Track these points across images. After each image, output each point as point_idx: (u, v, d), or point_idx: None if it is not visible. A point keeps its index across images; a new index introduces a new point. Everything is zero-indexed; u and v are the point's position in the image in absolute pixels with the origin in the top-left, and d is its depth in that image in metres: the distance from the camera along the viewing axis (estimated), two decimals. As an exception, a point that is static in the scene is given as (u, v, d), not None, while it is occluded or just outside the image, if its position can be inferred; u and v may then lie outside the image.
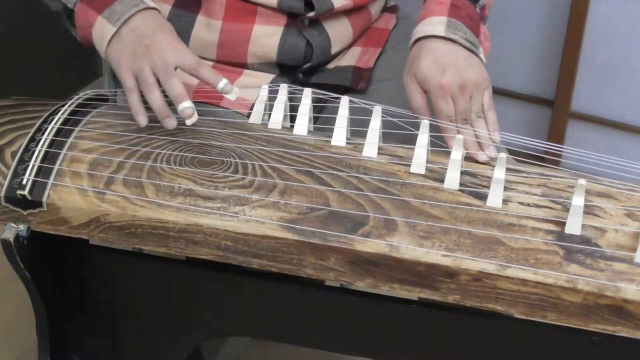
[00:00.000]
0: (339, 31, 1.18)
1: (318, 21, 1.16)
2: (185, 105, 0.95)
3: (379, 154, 0.96)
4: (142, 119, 0.96)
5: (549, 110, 2.06)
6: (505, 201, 0.89)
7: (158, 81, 0.96)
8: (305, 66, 1.16)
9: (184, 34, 1.15)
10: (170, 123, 0.96)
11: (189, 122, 0.95)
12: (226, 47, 1.15)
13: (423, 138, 0.93)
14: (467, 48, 1.02)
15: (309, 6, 1.13)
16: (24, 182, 0.95)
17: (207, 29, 1.14)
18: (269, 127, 1.02)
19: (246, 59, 1.16)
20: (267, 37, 1.14)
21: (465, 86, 0.99)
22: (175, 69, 0.97)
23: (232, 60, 1.16)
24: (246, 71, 1.17)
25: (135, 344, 1.10)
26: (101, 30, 1.00)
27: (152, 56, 0.96)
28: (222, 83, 0.97)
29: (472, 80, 0.99)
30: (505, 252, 0.85)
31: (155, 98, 0.96)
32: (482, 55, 1.04)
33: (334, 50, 1.18)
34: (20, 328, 1.55)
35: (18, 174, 0.96)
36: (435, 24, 1.02)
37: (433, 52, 1.01)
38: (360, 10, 1.20)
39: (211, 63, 1.16)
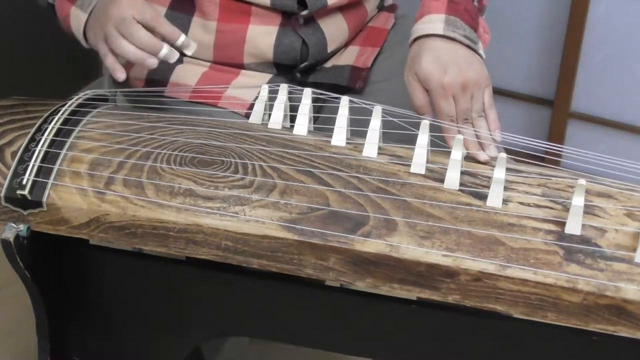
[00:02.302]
0: (334, 29, 1.18)
1: (313, 19, 1.16)
2: (165, 52, 0.99)
3: (379, 154, 0.96)
4: (120, 75, 1.02)
5: (549, 110, 2.06)
6: (505, 201, 0.89)
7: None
8: (302, 65, 1.16)
9: None
10: (151, 62, 1.00)
11: (188, 51, 1.01)
12: (222, 48, 1.15)
13: (423, 138, 0.93)
14: (466, 45, 1.02)
15: (302, 5, 1.13)
16: (24, 182, 0.95)
17: (202, 30, 1.14)
18: (269, 127, 1.02)
19: (242, 59, 1.15)
20: (262, 37, 1.14)
21: (467, 85, 0.99)
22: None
23: (229, 61, 1.16)
24: (243, 71, 1.17)
25: (135, 344, 1.10)
26: (77, 19, 1.06)
27: (114, 17, 1.00)
28: (181, 39, 1.01)
29: (473, 79, 1.00)
30: (505, 252, 0.85)
31: (122, 46, 0.99)
32: (481, 51, 1.04)
33: (330, 49, 1.18)
34: (20, 328, 1.55)
35: (18, 174, 0.96)
36: (434, 22, 1.02)
37: (433, 51, 1.01)
38: (355, 6, 1.20)
39: (208, 64, 1.16)
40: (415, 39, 1.04)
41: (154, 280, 1.05)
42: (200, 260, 0.93)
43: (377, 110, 0.97)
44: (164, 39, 1.01)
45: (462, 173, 0.92)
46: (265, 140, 0.98)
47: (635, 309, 0.82)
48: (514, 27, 2.00)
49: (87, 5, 1.05)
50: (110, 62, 1.02)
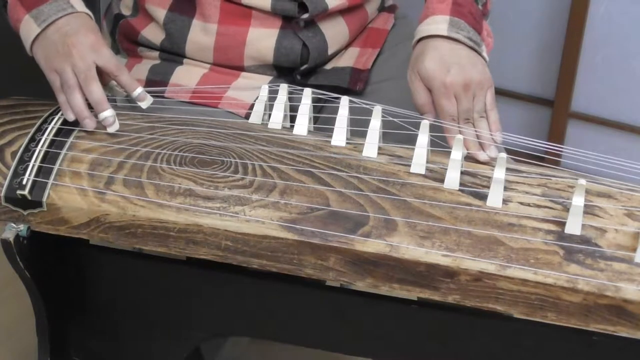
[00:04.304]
0: (335, 32, 1.18)
1: (313, 22, 1.15)
2: (106, 115, 0.99)
3: (379, 154, 0.96)
4: (70, 116, 1.00)
5: (549, 110, 2.06)
6: (505, 201, 0.89)
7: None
8: (302, 68, 1.16)
9: (180, 38, 1.15)
10: (89, 124, 0.99)
11: (110, 129, 0.99)
12: (222, 51, 1.15)
13: (423, 138, 0.93)
14: (470, 47, 1.02)
15: (303, 8, 1.13)
16: (24, 182, 0.95)
17: (203, 32, 1.14)
18: (269, 127, 1.02)
19: (243, 61, 1.15)
20: (262, 39, 1.14)
21: (469, 86, 0.99)
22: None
23: (229, 64, 1.16)
24: (243, 73, 1.16)
25: (135, 344, 1.10)
26: (27, 29, 1.03)
27: (74, 57, 0.99)
28: (137, 91, 1.01)
29: (476, 79, 1.00)
30: (505, 252, 0.85)
31: (74, 100, 0.99)
32: (484, 54, 1.04)
33: (330, 51, 1.18)
34: (20, 328, 1.55)
35: (18, 174, 0.96)
36: (438, 23, 1.02)
37: (436, 51, 1.01)
38: (355, 9, 1.20)
39: (208, 66, 1.16)
40: (419, 40, 1.04)
41: (154, 280, 1.05)
42: (200, 260, 0.93)
43: (377, 110, 0.97)
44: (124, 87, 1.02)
45: (462, 173, 0.92)
46: (265, 140, 0.98)
47: (635, 309, 0.82)
48: (514, 27, 2.00)
49: (43, 21, 1.01)
50: (63, 100, 1.00)
